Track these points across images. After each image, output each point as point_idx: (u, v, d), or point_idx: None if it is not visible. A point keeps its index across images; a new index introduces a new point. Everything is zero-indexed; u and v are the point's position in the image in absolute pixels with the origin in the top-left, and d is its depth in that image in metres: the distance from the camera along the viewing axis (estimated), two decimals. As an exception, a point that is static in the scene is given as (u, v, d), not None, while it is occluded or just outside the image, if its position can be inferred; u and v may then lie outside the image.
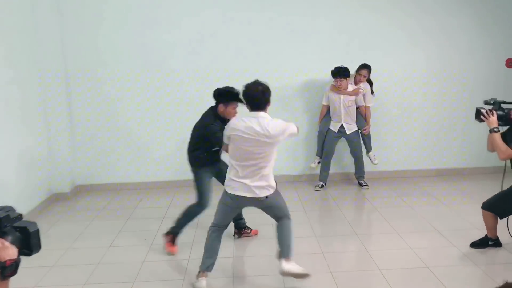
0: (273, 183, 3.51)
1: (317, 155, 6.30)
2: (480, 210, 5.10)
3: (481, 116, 3.74)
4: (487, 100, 3.81)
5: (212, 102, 4.24)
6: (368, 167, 6.36)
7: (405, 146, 6.62)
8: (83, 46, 6.05)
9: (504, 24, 6.40)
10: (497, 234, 4.12)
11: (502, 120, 3.71)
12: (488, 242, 4.13)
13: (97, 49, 6.08)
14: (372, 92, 6.07)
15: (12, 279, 1.63)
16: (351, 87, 5.92)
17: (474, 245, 4.17)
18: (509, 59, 6.37)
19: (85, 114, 6.22)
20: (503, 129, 3.79)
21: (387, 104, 6.47)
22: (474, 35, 6.40)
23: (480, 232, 4.49)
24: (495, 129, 3.68)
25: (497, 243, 4.12)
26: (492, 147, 3.80)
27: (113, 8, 6.03)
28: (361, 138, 6.15)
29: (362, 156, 6.19)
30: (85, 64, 6.09)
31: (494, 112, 3.70)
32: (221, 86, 6.22)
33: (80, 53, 6.05)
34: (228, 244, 4.44)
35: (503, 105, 3.78)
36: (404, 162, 6.66)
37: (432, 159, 6.69)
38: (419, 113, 6.55)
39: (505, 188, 3.96)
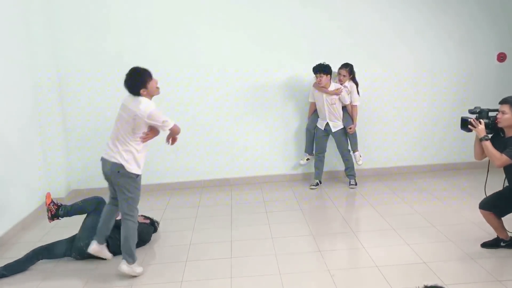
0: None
1: (305, 152, 6.34)
2: (475, 204, 5.14)
3: (469, 126, 3.77)
4: (472, 109, 3.86)
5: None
6: (366, 164, 6.40)
7: (401, 143, 6.63)
8: (78, 48, 6.03)
9: (498, 20, 6.42)
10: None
11: (488, 128, 3.75)
12: (500, 243, 4.01)
13: (93, 50, 6.06)
14: (358, 92, 6.03)
15: None
16: (333, 86, 5.92)
17: (486, 245, 4.06)
18: (500, 53, 6.42)
19: (80, 118, 6.21)
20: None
21: (382, 100, 6.48)
22: (465, 33, 6.43)
23: (477, 227, 4.52)
24: (486, 138, 3.70)
25: (510, 244, 4.00)
26: (479, 155, 3.87)
27: (111, 9, 6.02)
28: (347, 136, 6.15)
29: (349, 154, 6.16)
30: (79, 67, 6.07)
31: (481, 120, 3.74)
32: (220, 85, 6.35)
33: (75, 55, 6.04)
34: (225, 244, 4.45)
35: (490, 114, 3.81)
36: (399, 158, 6.67)
37: (426, 154, 6.70)
38: (414, 108, 6.56)
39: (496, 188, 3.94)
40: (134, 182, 3.82)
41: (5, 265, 3.99)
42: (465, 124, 3.84)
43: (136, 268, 3.91)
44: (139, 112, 3.70)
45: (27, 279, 3.94)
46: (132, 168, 3.77)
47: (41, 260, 4.16)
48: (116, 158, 3.76)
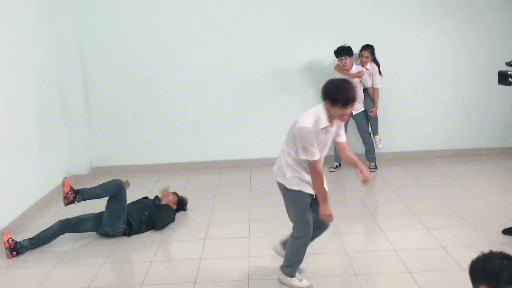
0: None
1: None
2: (498, 190, 5.08)
3: (510, 79, 3.47)
4: (509, 62, 3.56)
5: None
6: (387, 148, 6.36)
7: (422, 127, 6.54)
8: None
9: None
10: None
11: None
12: None
13: (114, 32, 6.18)
14: (380, 73, 5.95)
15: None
16: (355, 68, 5.83)
17: (507, 232, 3.95)
18: None
19: (101, 97, 6.32)
20: None
21: (403, 84, 6.40)
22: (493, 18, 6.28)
23: (498, 212, 4.46)
24: None
25: None
26: None
27: (124, 10, 6.16)
28: (368, 119, 6.08)
29: (369, 137, 6.10)
30: (102, 48, 6.20)
31: None
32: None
33: (97, 35, 6.16)
34: (244, 224, 4.49)
35: None
36: (420, 143, 6.59)
37: (448, 139, 6.60)
38: (436, 93, 6.46)
39: None
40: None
41: (30, 238, 4.10)
42: (504, 78, 3.53)
43: (295, 282, 3.36)
44: (298, 119, 3.09)
45: (49, 254, 4.05)
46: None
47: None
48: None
